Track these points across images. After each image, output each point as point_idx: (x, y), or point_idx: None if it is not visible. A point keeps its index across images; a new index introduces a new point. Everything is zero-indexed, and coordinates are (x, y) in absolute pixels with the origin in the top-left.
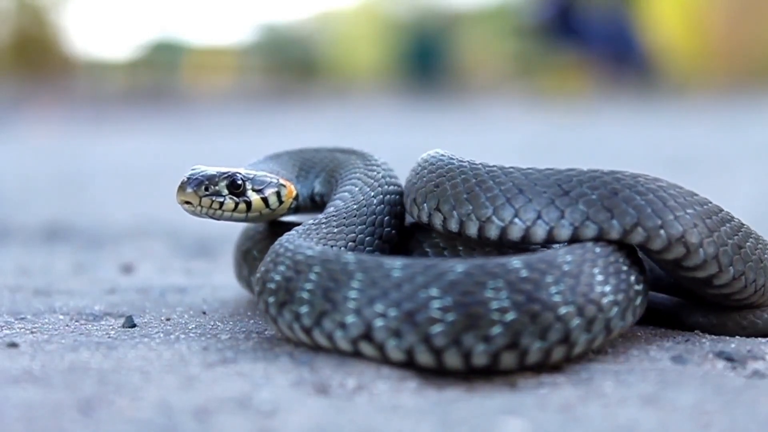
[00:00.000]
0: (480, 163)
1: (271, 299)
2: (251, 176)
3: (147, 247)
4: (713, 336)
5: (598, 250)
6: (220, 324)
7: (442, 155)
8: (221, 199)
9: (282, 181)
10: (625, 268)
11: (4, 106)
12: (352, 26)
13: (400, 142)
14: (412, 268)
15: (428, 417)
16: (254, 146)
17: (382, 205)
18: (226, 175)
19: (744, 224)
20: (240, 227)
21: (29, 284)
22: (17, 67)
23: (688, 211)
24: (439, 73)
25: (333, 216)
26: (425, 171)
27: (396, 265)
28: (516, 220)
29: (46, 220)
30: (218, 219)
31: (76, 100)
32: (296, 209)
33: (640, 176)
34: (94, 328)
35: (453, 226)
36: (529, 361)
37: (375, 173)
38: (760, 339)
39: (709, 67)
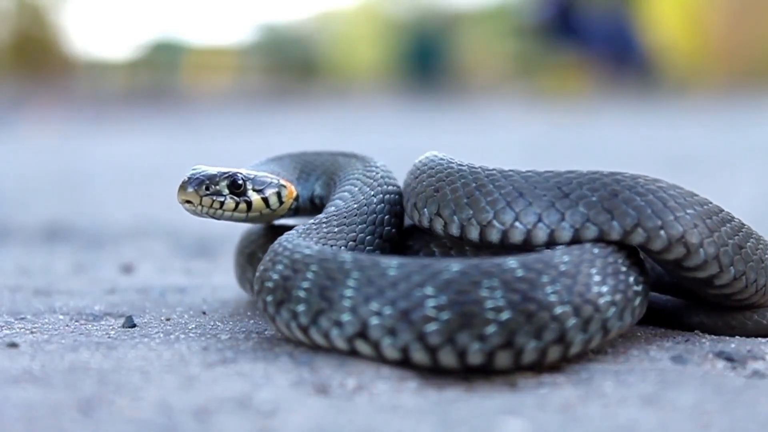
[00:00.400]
0: (479, 167)
1: (269, 298)
2: (252, 176)
3: (147, 247)
4: (713, 336)
5: (596, 250)
6: (220, 324)
7: (441, 159)
8: (222, 199)
9: (282, 182)
10: (623, 268)
11: (4, 106)
12: (352, 26)
13: (400, 142)
14: (407, 267)
15: (428, 417)
16: (254, 146)
17: (383, 204)
18: (226, 175)
19: (745, 224)
20: (240, 229)
21: (29, 284)
22: (17, 67)
23: (688, 211)
24: (439, 73)
25: (334, 215)
26: (424, 175)
27: (392, 264)
28: (517, 223)
29: (46, 220)
30: (219, 219)
31: (76, 100)
32: (296, 211)
33: (639, 177)
34: (94, 328)
35: (454, 230)
36: (524, 361)
37: (374, 173)
38: (760, 339)
39: (709, 67)
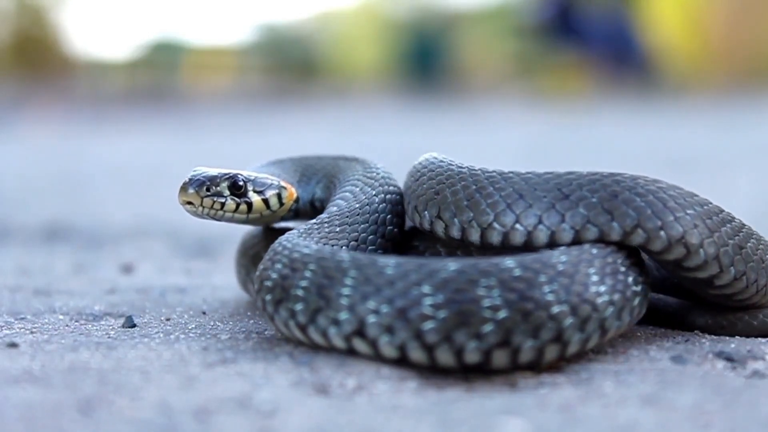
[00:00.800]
0: (479, 169)
1: (268, 297)
2: (252, 177)
3: (147, 247)
4: (713, 336)
5: (594, 251)
6: (220, 324)
7: (441, 161)
8: (222, 200)
9: (283, 184)
10: (623, 269)
11: (4, 106)
12: (352, 26)
13: (400, 142)
14: (405, 266)
15: (428, 417)
16: (254, 146)
17: (384, 204)
18: (227, 176)
19: (745, 225)
20: (241, 230)
21: (29, 284)
22: (17, 67)
23: (688, 211)
24: (439, 73)
25: (336, 215)
26: (424, 177)
27: (389, 262)
28: (517, 225)
29: (46, 220)
30: (219, 220)
31: (76, 100)
32: (296, 213)
33: (639, 178)
34: (94, 328)
35: (455, 233)
36: (522, 360)
37: (374, 174)
38: (760, 339)
39: (709, 67)
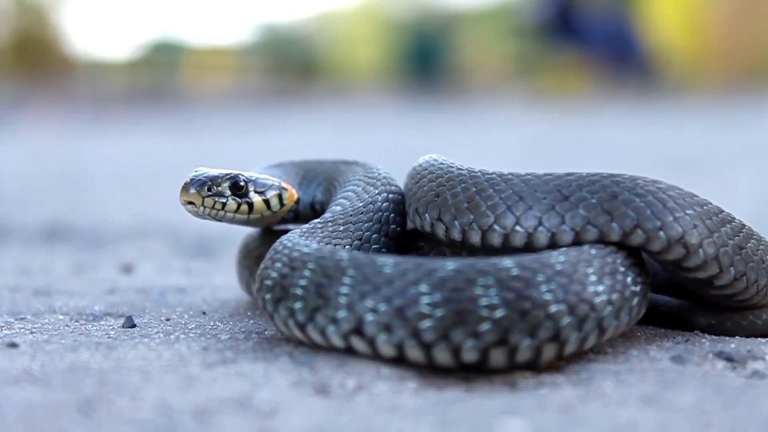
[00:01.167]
0: (479, 171)
1: (268, 296)
2: (254, 178)
3: (147, 247)
4: (713, 336)
5: (593, 251)
6: (220, 324)
7: (441, 163)
8: (224, 200)
9: (284, 185)
10: (622, 269)
11: (4, 106)
12: (352, 26)
13: (400, 142)
14: (403, 265)
15: (428, 417)
16: (254, 146)
17: (387, 203)
18: (228, 176)
19: (745, 225)
20: (241, 231)
21: (29, 284)
22: (17, 67)
23: (688, 212)
24: (439, 73)
25: (340, 215)
26: (425, 180)
27: (388, 261)
28: (518, 227)
29: (46, 220)
30: (220, 220)
31: (76, 100)
32: (296, 216)
33: (639, 179)
34: (94, 328)
35: (456, 235)
36: (519, 359)
37: (375, 175)
38: (760, 339)
39: (709, 67)
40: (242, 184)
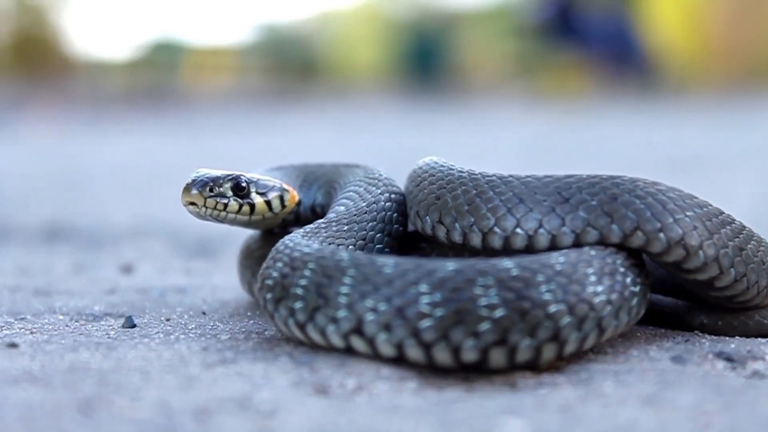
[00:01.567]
0: (479, 173)
1: (269, 295)
2: (255, 179)
3: (147, 247)
4: (713, 336)
5: (593, 252)
6: (220, 324)
7: (442, 165)
8: (225, 201)
9: (285, 186)
10: (621, 269)
11: (4, 106)
12: (352, 26)
13: (400, 143)
14: (403, 266)
15: (428, 417)
16: (254, 146)
17: (390, 203)
18: (230, 177)
19: (745, 227)
20: (241, 232)
21: (29, 284)
22: (17, 67)
23: (688, 213)
24: (439, 73)
25: (344, 214)
26: (425, 182)
27: (388, 262)
28: (518, 229)
29: (46, 220)
30: (222, 221)
31: (76, 100)
32: (297, 218)
33: (638, 180)
34: (94, 328)
35: (456, 238)
36: (519, 359)
37: (376, 175)
38: (760, 339)
39: (709, 67)
40: (244, 185)
